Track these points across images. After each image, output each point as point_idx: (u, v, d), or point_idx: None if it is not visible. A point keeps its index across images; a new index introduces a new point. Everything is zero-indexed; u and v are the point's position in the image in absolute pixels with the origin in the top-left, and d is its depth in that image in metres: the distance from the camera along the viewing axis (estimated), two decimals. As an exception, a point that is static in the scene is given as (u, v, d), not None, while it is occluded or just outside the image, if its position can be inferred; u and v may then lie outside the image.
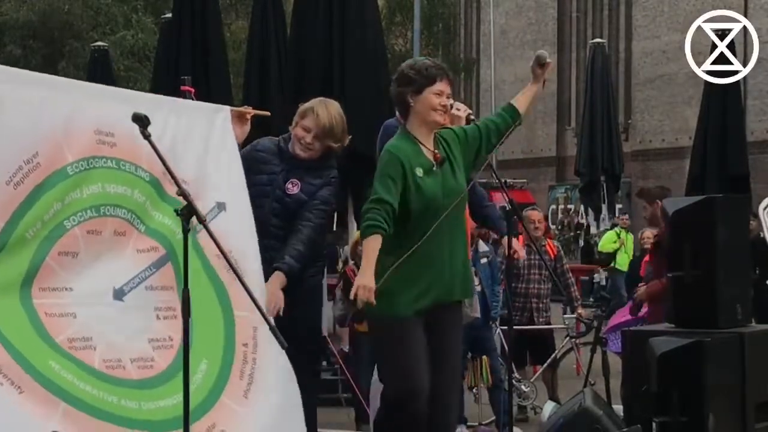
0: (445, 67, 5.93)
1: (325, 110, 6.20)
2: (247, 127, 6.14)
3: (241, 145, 6.19)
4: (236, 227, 5.80)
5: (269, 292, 5.87)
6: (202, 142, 5.81)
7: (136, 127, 5.23)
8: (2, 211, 4.90)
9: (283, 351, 5.54)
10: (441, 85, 5.74)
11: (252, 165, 6.18)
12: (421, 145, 5.74)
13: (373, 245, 5.46)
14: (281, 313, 5.88)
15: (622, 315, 10.68)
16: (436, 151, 5.75)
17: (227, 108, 6.14)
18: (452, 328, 5.83)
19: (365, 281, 5.39)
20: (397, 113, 6.21)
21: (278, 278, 5.96)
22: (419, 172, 5.65)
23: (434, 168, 5.71)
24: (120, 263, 5.33)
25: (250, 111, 6.20)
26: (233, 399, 5.56)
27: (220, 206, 5.76)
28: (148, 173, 5.45)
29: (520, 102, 6.08)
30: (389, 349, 5.69)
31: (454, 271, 5.74)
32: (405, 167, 5.62)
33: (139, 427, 5.17)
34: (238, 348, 5.66)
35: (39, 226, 5.02)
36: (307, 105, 6.27)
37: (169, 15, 12.80)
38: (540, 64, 6.02)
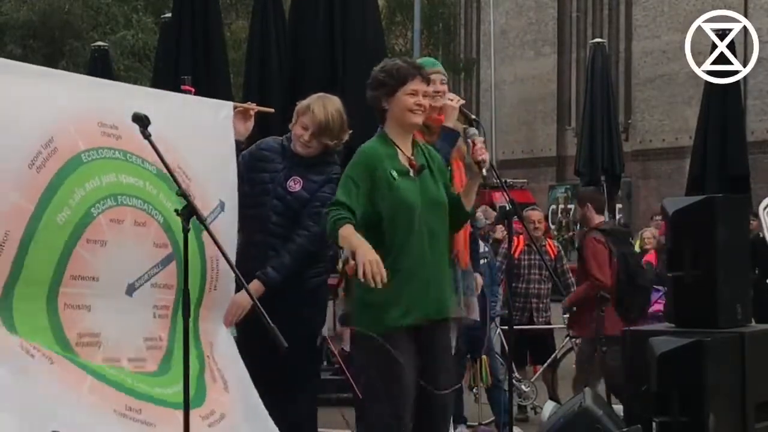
0: (419, 65, 5.75)
1: (323, 108, 6.14)
2: (251, 124, 6.12)
3: (245, 143, 6.18)
4: (226, 229, 5.78)
5: (232, 301, 5.83)
6: (204, 138, 5.78)
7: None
8: (30, 195, 4.92)
9: (238, 362, 5.66)
10: (414, 84, 5.54)
11: (255, 164, 6.17)
12: (397, 149, 5.57)
13: (350, 231, 5.22)
14: (236, 323, 5.86)
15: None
16: (412, 157, 5.58)
17: (230, 104, 6.11)
18: (442, 338, 5.63)
19: (369, 256, 5.10)
20: None
21: (252, 288, 5.82)
22: (394, 173, 5.47)
23: (410, 173, 5.53)
24: (138, 256, 5.35)
25: (254, 108, 6.18)
26: (218, 392, 5.61)
27: (222, 206, 5.75)
28: (155, 167, 5.43)
29: (468, 202, 5.77)
30: (378, 364, 5.42)
31: (440, 289, 5.55)
32: (374, 167, 5.45)
33: (160, 404, 5.23)
34: (206, 358, 5.68)
35: (67, 212, 5.03)
36: (305, 102, 6.21)
37: (169, 15, 12.80)
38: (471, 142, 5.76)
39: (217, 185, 5.74)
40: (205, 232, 5.19)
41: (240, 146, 6.06)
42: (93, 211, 5.13)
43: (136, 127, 5.14)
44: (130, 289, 5.31)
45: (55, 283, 5.00)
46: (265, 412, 5.79)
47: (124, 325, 5.29)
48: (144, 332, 5.40)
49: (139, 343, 5.38)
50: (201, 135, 5.77)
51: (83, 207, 5.09)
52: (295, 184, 6.12)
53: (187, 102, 6.01)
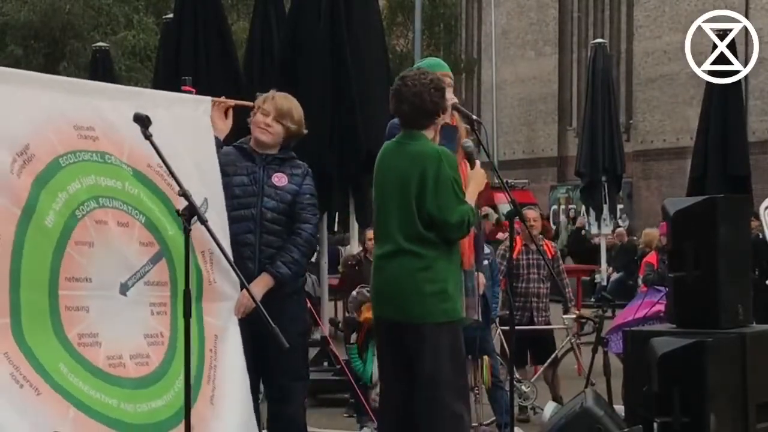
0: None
1: (284, 97, 6.28)
2: (230, 120, 6.16)
3: (224, 139, 6.19)
4: (215, 226, 5.74)
5: (243, 294, 5.80)
6: (182, 134, 5.73)
7: (115, 121, 5.28)
8: (15, 199, 4.91)
9: (240, 361, 5.68)
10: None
11: (225, 168, 6.14)
12: None
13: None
14: (242, 316, 5.86)
15: (623, 316, 10.68)
16: None
17: (208, 99, 6.08)
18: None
19: None
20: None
21: (263, 282, 5.92)
22: None
23: None
24: (126, 255, 5.34)
25: (231, 102, 6.20)
26: (204, 404, 5.55)
27: (206, 202, 5.70)
28: (131, 168, 5.41)
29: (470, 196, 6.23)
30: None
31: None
32: None
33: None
34: (206, 353, 5.64)
35: (54, 215, 5.03)
36: (263, 96, 6.33)
37: (171, 15, 12.81)
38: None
39: (198, 182, 5.65)
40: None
41: (219, 143, 6.07)
42: (77, 213, 5.13)
43: (111, 127, 5.20)
44: (124, 289, 5.31)
45: (52, 286, 5.00)
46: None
47: (122, 324, 5.28)
48: (144, 329, 5.39)
49: (140, 340, 5.36)
50: (178, 132, 5.69)
51: (68, 209, 5.09)
52: (279, 180, 6.16)
53: (164, 98, 5.92)
